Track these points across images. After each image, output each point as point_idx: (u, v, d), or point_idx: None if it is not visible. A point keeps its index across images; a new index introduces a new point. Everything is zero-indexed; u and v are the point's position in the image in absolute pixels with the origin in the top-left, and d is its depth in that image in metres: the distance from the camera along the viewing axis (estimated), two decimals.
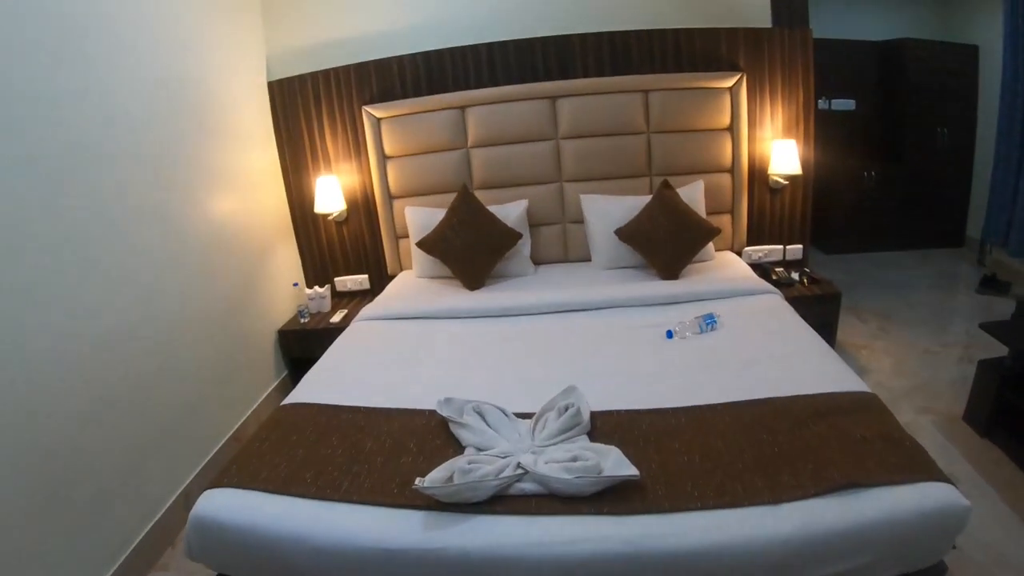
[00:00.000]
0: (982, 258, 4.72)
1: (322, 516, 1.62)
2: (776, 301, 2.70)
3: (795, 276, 3.29)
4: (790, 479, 1.54)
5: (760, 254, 3.52)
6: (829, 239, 5.20)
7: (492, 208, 3.16)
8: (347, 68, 3.35)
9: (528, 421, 1.86)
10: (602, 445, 1.69)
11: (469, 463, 1.62)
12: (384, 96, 3.34)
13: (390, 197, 3.47)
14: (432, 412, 1.94)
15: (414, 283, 3.30)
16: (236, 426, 2.98)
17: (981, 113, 4.86)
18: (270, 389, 3.31)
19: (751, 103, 3.29)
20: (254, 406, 3.14)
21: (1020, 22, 4.06)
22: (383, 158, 3.41)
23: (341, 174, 3.49)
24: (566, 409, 1.83)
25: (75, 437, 2.06)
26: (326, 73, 3.37)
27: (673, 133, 3.27)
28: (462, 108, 3.27)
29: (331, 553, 1.57)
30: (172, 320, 2.59)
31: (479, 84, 3.26)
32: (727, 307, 2.60)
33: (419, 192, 3.41)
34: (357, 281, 3.72)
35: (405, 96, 3.32)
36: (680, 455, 1.68)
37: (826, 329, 3.24)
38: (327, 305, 3.54)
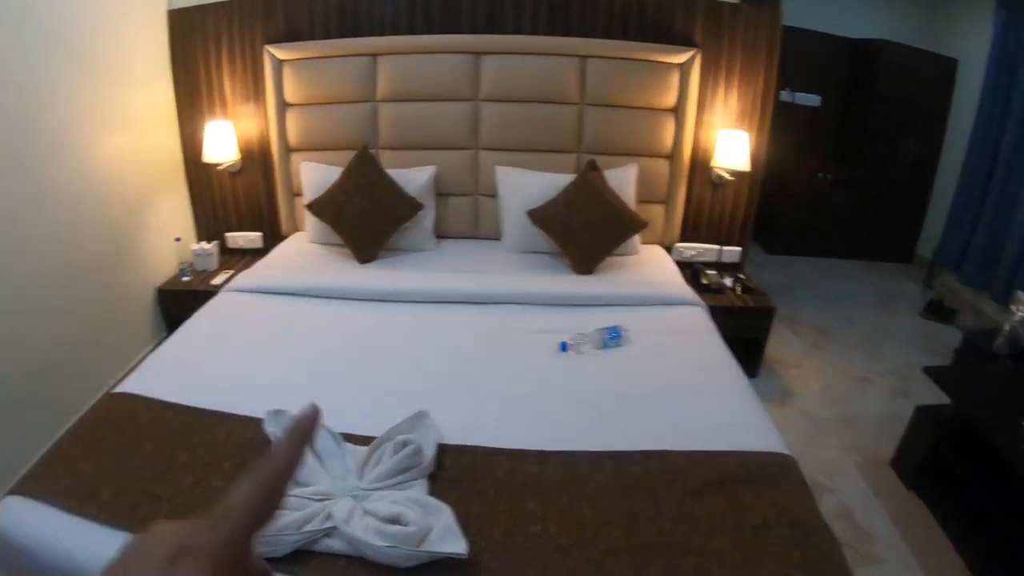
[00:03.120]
0: (930, 280, 4.52)
1: (108, 547, 1.30)
2: (698, 317, 2.39)
3: (728, 282, 3.01)
4: None
5: (693, 252, 3.21)
6: (774, 238, 4.96)
7: (396, 172, 2.80)
8: (252, 1, 2.93)
9: (363, 451, 1.55)
10: (434, 501, 1.39)
11: None
12: (290, 36, 2.93)
13: (288, 149, 3.09)
14: (262, 422, 1.66)
15: (303, 249, 2.94)
16: (96, 398, 2.60)
17: (950, 130, 4.64)
18: (143, 353, 2.93)
19: (703, 84, 2.94)
20: (121, 373, 2.77)
21: (1009, 42, 3.80)
22: (283, 105, 3.02)
23: (238, 120, 3.09)
24: (404, 446, 1.51)
25: None
26: (229, 4, 2.95)
27: (610, 108, 2.92)
28: (374, 56, 2.89)
29: None
30: (27, 278, 2.27)
31: (396, 31, 2.87)
32: (641, 318, 2.29)
33: (319, 147, 3.03)
34: (249, 239, 3.34)
35: (313, 38, 2.92)
36: (533, 522, 1.38)
37: (755, 346, 2.98)
38: (214, 263, 3.18)
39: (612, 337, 2.14)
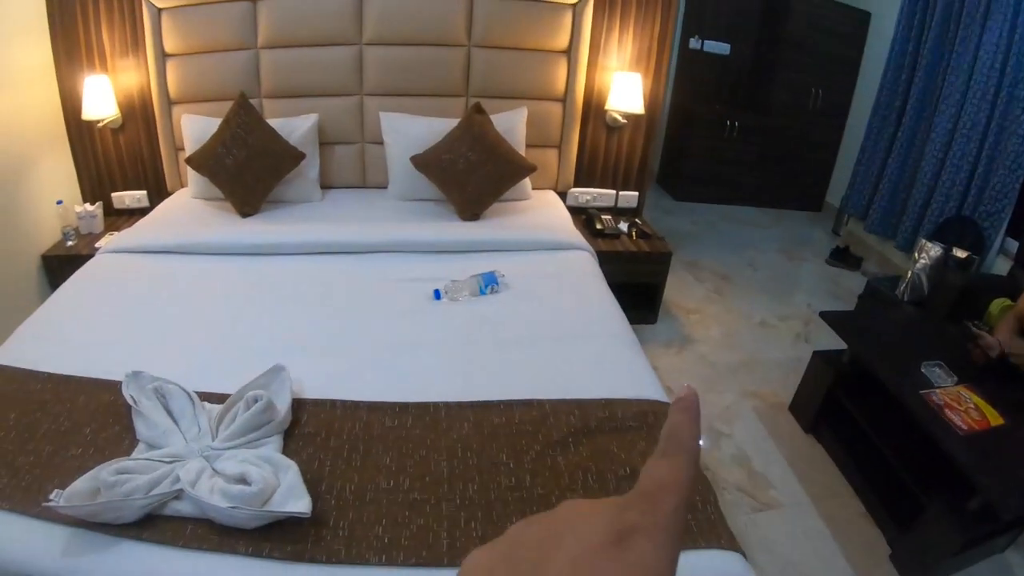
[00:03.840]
0: (837, 228, 4.63)
1: None
2: (585, 262, 2.37)
3: (624, 227, 3.01)
4: None
5: (588, 197, 3.19)
6: (681, 184, 5.00)
7: (278, 122, 2.71)
8: None
9: (218, 409, 1.50)
10: (283, 458, 1.36)
11: (117, 473, 1.29)
12: None
13: (169, 103, 2.95)
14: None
15: (186, 205, 2.83)
16: None
17: (861, 81, 4.73)
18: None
19: (596, 26, 2.90)
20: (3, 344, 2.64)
21: None
22: (163, 56, 2.87)
23: (119, 73, 2.94)
24: (255, 402, 1.47)
25: None
26: None
27: (499, 50, 2.86)
28: (254, 1, 2.76)
29: None
30: None
31: None
32: (524, 263, 2.26)
33: (201, 98, 2.91)
34: (135, 198, 3.20)
35: None
36: (386, 476, 1.35)
37: (651, 291, 3.00)
38: (98, 225, 3.03)
39: (487, 283, 2.11)
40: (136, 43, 2.90)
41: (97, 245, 2.87)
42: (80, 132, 3.07)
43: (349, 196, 2.89)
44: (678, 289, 3.45)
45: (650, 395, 1.59)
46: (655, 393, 1.61)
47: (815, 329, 3.23)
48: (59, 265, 2.90)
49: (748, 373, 2.86)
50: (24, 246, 2.83)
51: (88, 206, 3.02)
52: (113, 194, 3.20)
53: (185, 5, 2.79)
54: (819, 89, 4.72)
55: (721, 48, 4.82)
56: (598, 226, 2.95)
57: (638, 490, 0.34)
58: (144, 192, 3.19)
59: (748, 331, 3.23)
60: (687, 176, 4.95)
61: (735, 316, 3.34)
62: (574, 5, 2.83)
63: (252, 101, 2.75)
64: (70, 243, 2.93)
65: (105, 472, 1.29)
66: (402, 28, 2.78)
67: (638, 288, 2.91)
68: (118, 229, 3.02)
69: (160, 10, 2.80)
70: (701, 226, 4.53)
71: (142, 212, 3.14)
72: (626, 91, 2.90)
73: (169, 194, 3.07)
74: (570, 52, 2.91)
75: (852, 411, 2.29)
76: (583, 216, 3.00)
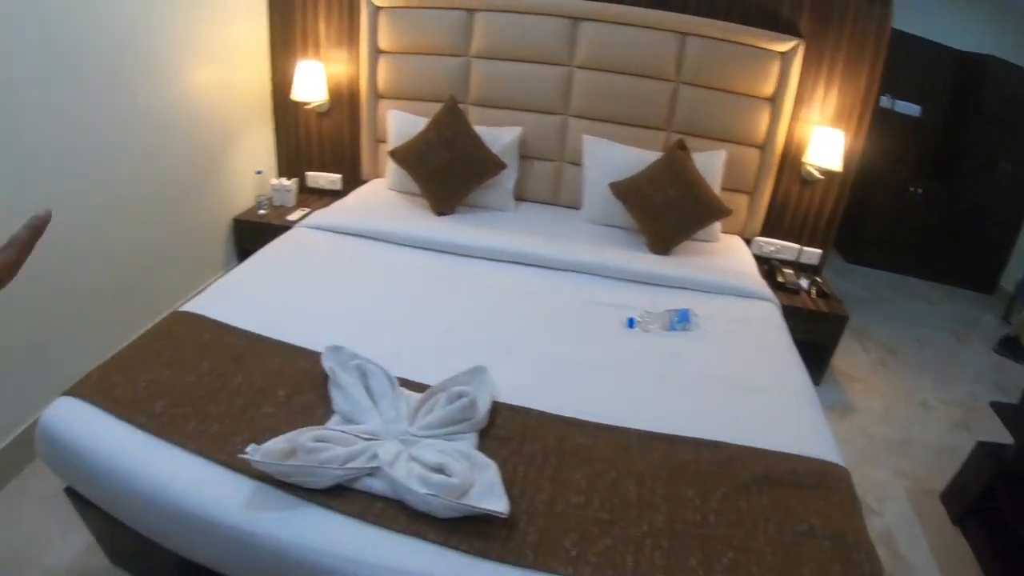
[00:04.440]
0: (1009, 315, 4.31)
1: (154, 459, 1.39)
2: (770, 313, 2.31)
3: (804, 283, 2.91)
4: (698, 569, 1.21)
5: (772, 248, 3.10)
6: (854, 246, 4.78)
7: (481, 129, 2.78)
8: None
9: (416, 397, 1.54)
10: (482, 457, 1.37)
11: (315, 440, 1.33)
12: None
13: (376, 96, 3.10)
14: (320, 356, 1.65)
15: (381, 195, 2.95)
16: (162, 316, 2.67)
17: None
18: (213, 279, 2.99)
19: (804, 77, 2.82)
20: (189, 295, 2.84)
21: None
22: (375, 52, 3.02)
23: (329, 62, 3.12)
24: (459, 397, 1.49)
25: None
26: None
27: (705, 89, 2.82)
28: (471, 11, 2.85)
29: (150, 503, 1.35)
30: (115, 192, 2.34)
31: None
32: (711, 305, 2.23)
33: (408, 96, 3.03)
34: (330, 180, 3.38)
35: None
36: (577, 492, 1.35)
37: (822, 353, 2.89)
38: (291, 200, 3.24)
39: (681, 320, 2.09)
40: (351, 36, 3.06)
41: (289, 218, 3.05)
42: (286, 111, 3.27)
43: (540, 211, 2.94)
44: (844, 354, 3.31)
45: (831, 457, 1.55)
46: (834, 456, 1.56)
47: (976, 418, 3.03)
48: (247, 230, 3.11)
49: (904, 452, 2.72)
50: (220, 207, 3.05)
51: (284, 180, 3.21)
52: (308, 173, 3.39)
53: (404, 7, 2.92)
54: (1009, 164, 4.41)
55: (912, 109, 4.59)
56: (779, 279, 2.87)
57: None
58: (339, 176, 3.36)
59: (908, 409, 3.07)
60: (863, 239, 4.73)
61: (897, 391, 3.18)
62: (784, 53, 2.77)
63: (458, 105, 2.84)
64: (262, 211, 3.13)
65: (304, 437, 1.33)
66: (613, 56, 2.80)
67: (807, 346, 2.81)
68: (308, 206, 3.21)
69: (378, 8, 2.94)
70: (871, 293, 4.35)
71: (333, 194, 3.33)
72: (826, 147, 2.81)
73: (363, 181, 3.21)
74: (774, 100, 2.85)
75: (1008, 512, 2.11)
76: (765, 266, 2.93)
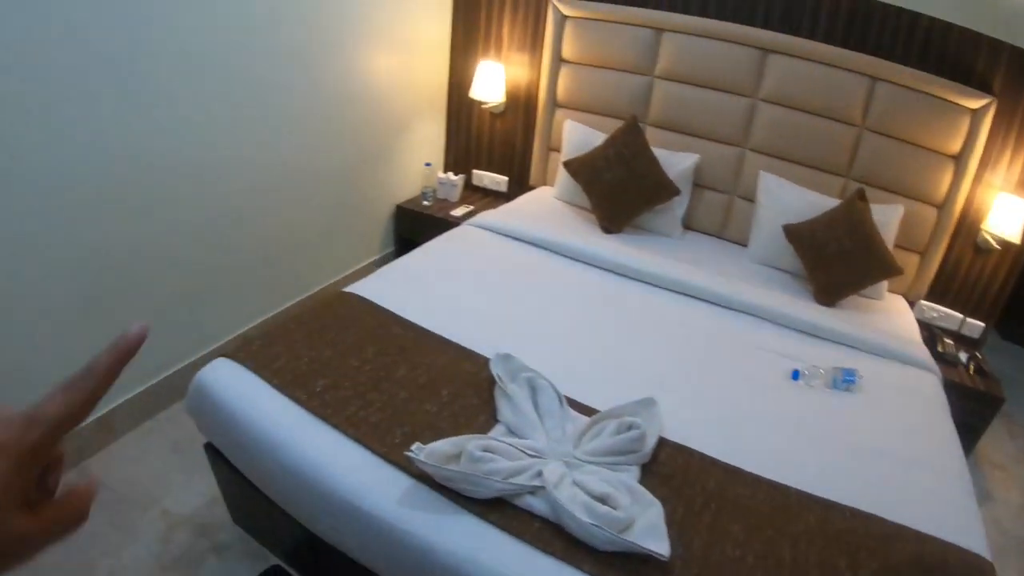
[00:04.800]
0: None
1: (309, 437, 1.45)
2: (931, 385, 2.19)
3: (963, 357, 2.74)
4: None
5: (935, 315, 2.92)
6: (1013, 322, 4.40)
7: (659, 152, 2.78)
8: None
9: (583, 420, 1.56)
10: (647, 493, 1.35)
11: (482, 450, 1.34)
12: None
13: (554, 104, 3.16)
14: (487, 361, 1.68)
15: (548, 203, 3.02)
16: (313, 291, 2.91)
17: None
18: (367, 261, 3.24)
19: (992, 138, 2.61)
20: (343, 274, 3.07)
21: None
22: (558, 60, 3.08)
23: (509, 64, 3.21)
24: (628, 428, 1.49)
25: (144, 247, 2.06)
26: None
27: (889, 139, 2.68)
28: (659, 30, 2.84)
29: (298, 479, 1.41)
30: (291, 162, 2.53)
31: (686, 9, 2.80)
32: (874, 366, 2.15)
33: (586, 108, 3.07)
34: (495, 181, 3.48)
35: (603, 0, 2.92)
36: (734, 545, 1.33)
37: (969, 433, 2.69)
38: (456, 195, 3.37)
39: (846, 379, 2.03)
40: (535, 42, 3.13)
41: (453, 212, 3.18)
42: (460, 108, 3.40)
43: (706, 243, 2.91)
44: (988, 437, 3.09)
45: (980, 550, 1.47)
46: (983, 548, 1.48)
47: None
48: (409, 218, 3.27)
49: None
50: (385, 192, 3.21)
51: (451, 175, 3.34)
52: (474, 171, 3.51)
53: (593, 18, 2.94)
54: None
55: None
56: (939, 348, 2.71)
57: (29, 410, 0.36)
58: (506, 178, 3.46)
59: None
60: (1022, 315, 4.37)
61: None
62: (975, 110, 2.56)
63: (639, 124, 2.85)
64: (426, 202, 3.27)
65: (472, 444, 1.34)
66: (800, 93, 2.71)
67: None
68: (471, 203, 3.33)
69: (566, 17, 2.98)
70: None
71: (497, 195, 3.44)
72: (1007, 215, 2.60)
73: (529, 187, 3.30)
74: (959, 159, 2.65)
75: None
76: (926, 332, 2.77)
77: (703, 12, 2.79)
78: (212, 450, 1.73)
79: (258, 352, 1.65)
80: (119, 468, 2.16)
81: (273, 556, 1.93)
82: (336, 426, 1.46)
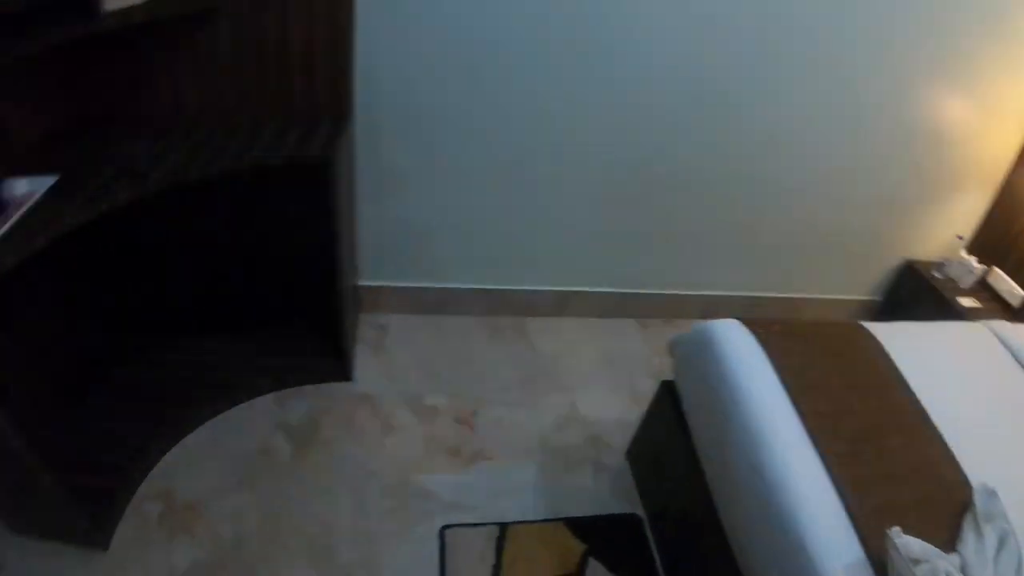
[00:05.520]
0: None
1: (793, 453, 1.40)
2: None
3: None
4: None
5: None
6: None
7: None
8: None
9: None
10: None
11: (958, 569, 1.23)
12: None
13: None
14: (965, 479, 1.47)
15: None
16: (791, 294, 3.28)
17: None
18: (852, 296, 3.34)
19: None
20: (828, 295, 3.31)
21: None
22: None
23: None
24: None
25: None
26: None
27: None
28: None
29: (759, 494, 1.38)
30: (843, 166, 2.83)
31: None
32: None
33: None
34: (1011, 289, 2.78)
35: None
36: None
37: None
38: (968, 283, 2.97)
39: None
40: None
41: (960, 300, 2.87)
42: (1015, 193, 2.85)
43: None
44: None
45: None
46: None
47: None
48: (913, 279, 3.11)
49: None
50: (901, 240, 3.14)
51: (975, 261, 2.93)
52: (995, 268, 2.95)
53: None
54: None
55: None
56: None
57: None
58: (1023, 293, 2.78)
59: None
60: None
61: None
62: None
63: None
64: (936, 273, 3.05)
65: (943, 564, 1.21)
66: None
67: None
68: (979, 300, 2.90)
69: None
70: None
71: (1006, 305, 2.86)
72: None
73: None
74: None
75: None
76: None
77: None
78: (667, 389, 1.80)
79: (776, 335, 1.66)
80: (568, 344, 2.45)
81: (640, 508, 1.95)
82: (823, 456, 1.40)
